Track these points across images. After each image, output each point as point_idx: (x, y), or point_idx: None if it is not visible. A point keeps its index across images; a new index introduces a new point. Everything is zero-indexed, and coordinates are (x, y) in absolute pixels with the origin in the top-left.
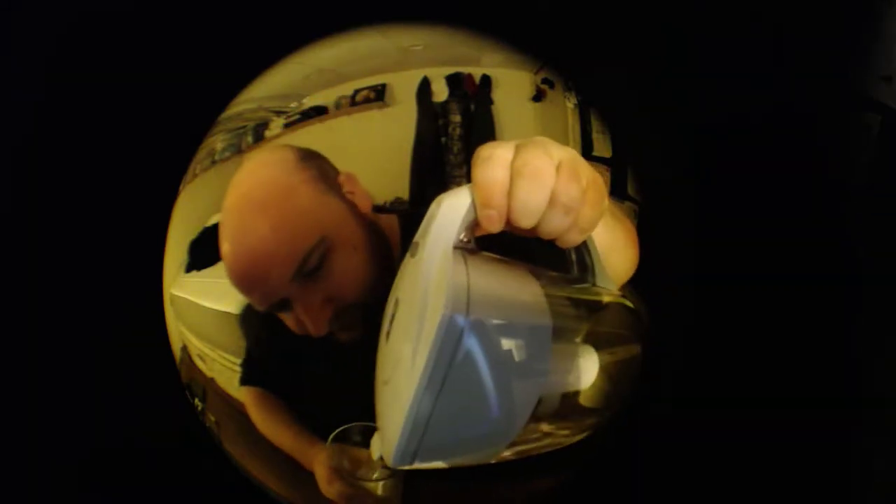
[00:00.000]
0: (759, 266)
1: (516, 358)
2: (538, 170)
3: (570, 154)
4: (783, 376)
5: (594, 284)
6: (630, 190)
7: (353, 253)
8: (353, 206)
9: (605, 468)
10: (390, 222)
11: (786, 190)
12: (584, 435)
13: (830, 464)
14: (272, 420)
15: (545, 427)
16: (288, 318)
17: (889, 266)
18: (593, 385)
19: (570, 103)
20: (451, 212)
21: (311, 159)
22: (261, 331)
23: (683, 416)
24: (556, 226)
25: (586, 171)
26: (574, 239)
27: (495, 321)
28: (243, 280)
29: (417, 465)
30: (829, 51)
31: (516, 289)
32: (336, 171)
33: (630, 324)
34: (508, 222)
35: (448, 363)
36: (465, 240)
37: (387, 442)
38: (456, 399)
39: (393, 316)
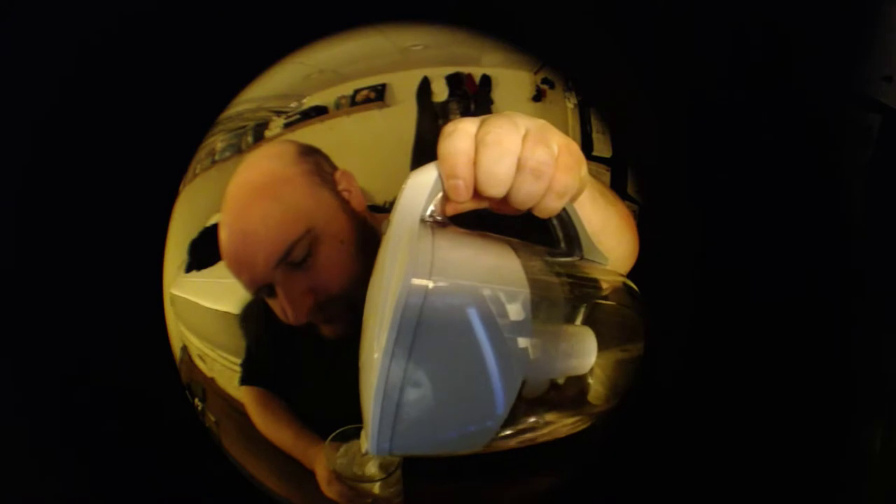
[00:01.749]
0: (758, 266)
1: (488, 328)
2: (501, 137)
3: (538, 123)
4: (783, 377)
5: (582, 258)
6: (630, 190)
7: (339, 247)
8: (345, 203)
9: (605, 468)
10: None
11: (785, 190)
12: (583, 426)
13: (830, 464)
14: (272, 420)
15: (538, 415)
16: (275, 305)
17: (889, 266)
18: (592, 370)
19: (570, 103)
20: (417, 186)
21: (310, 154)
22: (261, 331)
23: (683, 416)
24: (528, 192)
25: (557, 137)
26: (551, 206)
27: (461, 284)
28: (234, 262)
29: (399, 453)
30: (829, 51)
31: (489, 259)
32: (333, 168)
33: (632, 306)
34: (477, 193)
35: (412, 329)
36: (435, 214)
37: (365, 429)
38: (426, 370)
39: (366, 299)
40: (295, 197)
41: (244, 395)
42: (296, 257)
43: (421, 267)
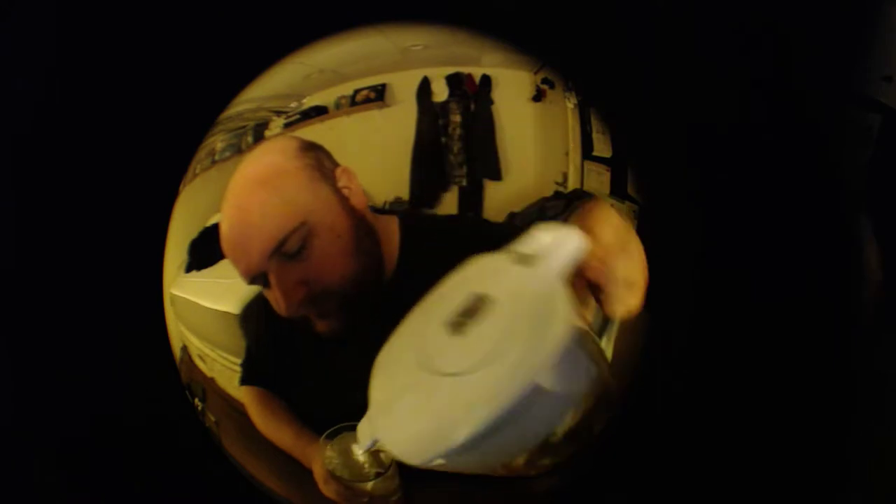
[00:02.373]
0: (758, 266)
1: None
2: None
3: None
4: (783, 377)
5: None
6: (630, 190)
7: (335, 241)
8: (344, 199)
9: (605, 468)
10: (388, 222)
11: (785, 190)
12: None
13: (830, 465)
14: (272, 420)
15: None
16: (270, 296)
17: (889, 266)
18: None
19: (570, 103)
20: (571, 247)
21: (311, 150)
22: (261, 331)
23: (684, 417)
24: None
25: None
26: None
27: (586, 330)
28: (231, 251)
29: (434, 465)
30: (829, 51)
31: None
32: (334, 165)
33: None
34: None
35: (573, 368)
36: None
37: (424, 435)
38: (551, 401)
39: (475, 310)
40: (293, 189)
41: (244, 395)
42: (290, 248)
43: (574, 317)
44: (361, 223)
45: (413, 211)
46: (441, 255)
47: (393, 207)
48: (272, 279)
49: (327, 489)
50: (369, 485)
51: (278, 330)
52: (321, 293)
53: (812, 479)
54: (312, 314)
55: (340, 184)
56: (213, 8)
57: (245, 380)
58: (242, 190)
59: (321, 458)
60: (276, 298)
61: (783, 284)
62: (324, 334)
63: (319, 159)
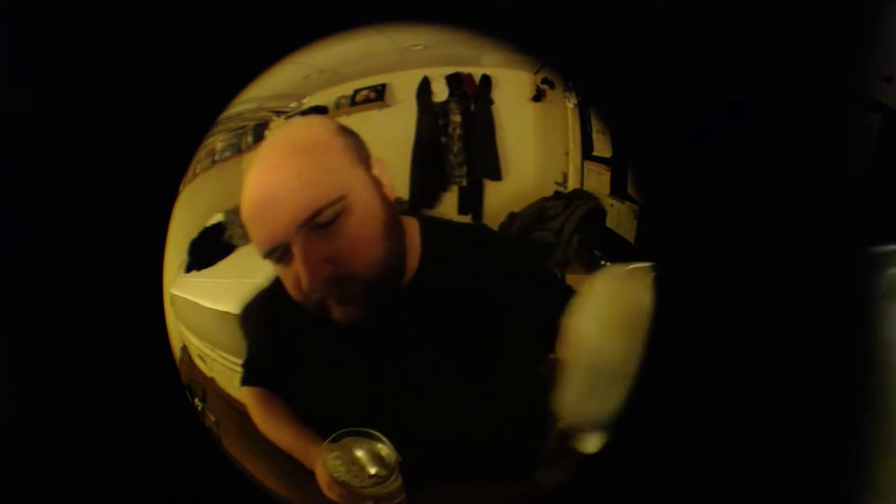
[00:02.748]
0: (758, 266)
1: None
2: None
3: None
4: (783, 377)
5: None
6: (630, 190)
7: (369, 223)
8: (379, 186)
9: (605, 468)
10: (409, 223)
11: (785, 190)
12: None
13: (830, 465)
14: (274, 421)
15: None
16: (286, 275)
17: (889, 265)
18: None
19: (570, 103)
20: None
21: (351, 134)
22: (262, 330)
23: (684, 417)
24: None
25: None
26: None
27: None
28: (256, 216)
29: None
30: (829, 51)
31: None
32: (369, 153)
33: None
34: None
35: None
36: None
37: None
38: None
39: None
40: (334, 163)
41: (245, 396)
42: (323, 220)
43: None
44: (393, 214)
45: (432, 216)
46: (460, 263)
47: (412, 210)
48: (297, 251)
49: (331, 492)
50: (373, 489)
51: (280, 330)
52: (347, 276)
53: (812, 480)
54: (332, 298)
55: (375, 171)
56: (214, 8)
57: (246, 380)
58: (281, 153)
59: (323, 463)
60: (296, 274)
61: (783, 284)
62: (341, 321)
63: (358, 143)
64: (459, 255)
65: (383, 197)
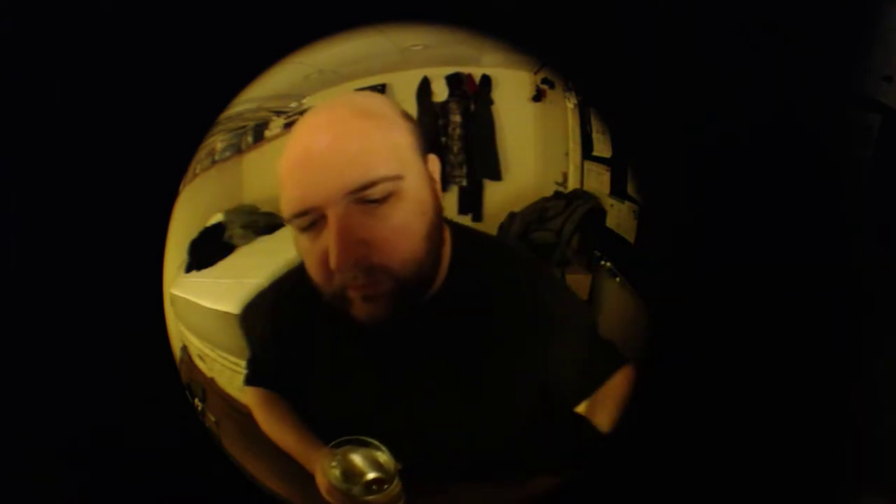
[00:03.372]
0: (758, 266)
1: None
2: None
3: None
4: (783, 377)
5: None
6: (630, 190)
7: (417, 217)
8: (433, 183)
9: (605, 468)
10: (444, 228)
11: (785, 190)
12: None
13: (830, 465)
14: (276, 422)
15: None
16: (309, 248)
17: (889, 266)
18: None
19: (570, 103)
20: None
21: (414, 121)
22: (264, 331)
23: (684, 416)
24: None
25: None
26: None
27: None
28: (296, 169)
29: None
30: (829, 51)
31: None
32: (427, 146)
33: None
34: None
35: None
36: None
37: None
38: None
39: None
40: (399, 140)
41: (249, 397)
42: (373, 195)
43: None
44: (439, 215)
45: (461, 224)
46: (482, 277)
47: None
48: (333, 222)
49: (331, 497)
50: (372, 496)
51: (283, 331)
52: (380, 267)
53: (812, 480)
54: (357, 290)
55: (430, 168)
56: (214, 8)
57: (250, 380)
58: (343, 113)
59: (323, 469)
60: (325, 249)
61: (783, 284)
62: (361, 319)
63: (419, 133)
64: (483, 268)
65: (435, 195)
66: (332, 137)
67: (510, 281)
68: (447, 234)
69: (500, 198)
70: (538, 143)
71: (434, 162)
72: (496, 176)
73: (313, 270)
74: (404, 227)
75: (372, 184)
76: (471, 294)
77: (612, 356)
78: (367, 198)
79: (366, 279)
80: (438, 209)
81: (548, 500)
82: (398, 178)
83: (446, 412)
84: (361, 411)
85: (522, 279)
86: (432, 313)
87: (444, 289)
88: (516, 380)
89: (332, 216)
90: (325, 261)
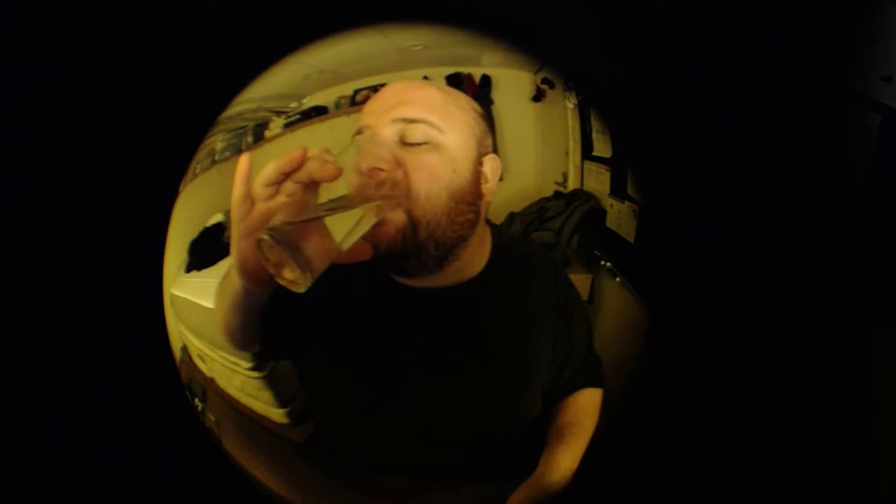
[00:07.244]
0: (758, 265)
1: None
2: None
3: None
4: (783, 376)
5: None
6: (630, 190)
7: (449, 170)
8: (477, 178)
9: (605, 468)
10: (483, 229)
11: (786, 189)
12: None
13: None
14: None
15: None
16: (347, 150)
17: (889, 265)
18: None
19: (570, 103)
20: None
21: (486, 121)
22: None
23: (684, 416)
24: None
25: None
26: None
27: None
28: (373, 101)
29: None
30: (829, 51)
31: None
32: (489, 151)
33: None
34: None
35: None
36: None
37: None
38: None
39: None
40: (463, 119)
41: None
42: (413, 134)
43: None
44: (473, 194)
45: (506, 231)
46: (518, 272)
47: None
48: (375, 132)
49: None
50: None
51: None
52: (400, 184)
53: (812, 480)
54: (373, 212)
55: (485, 168)
56: (214, 8)
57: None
58: (429, 83)
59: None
60: (359, 157)
61: (783, 283)
62: (370, 242)
63: (486, 134)
64: (519, 265)
65: (476, 177)
66: (406, 87)
67: (541, 278)
68: (488, 234)
69: (500, 198)
70: (538, 143)
71: (492, 160)
72: None
73: (350, 176)
74: (432, 168)
75: (414, 120)
76: (503, 286)
77: (599, 370)
78: (407, 138)
79: (386, 191)
80: (476, 191)
81: (549, 500)
82: (439, 129)
83: (459, 398)
84: (376, 384)
85: (551, 277)
86: (465, 296)
87: (481, 277)
88: (529, 373)
89: (376, 128)
90: (360, 163)
